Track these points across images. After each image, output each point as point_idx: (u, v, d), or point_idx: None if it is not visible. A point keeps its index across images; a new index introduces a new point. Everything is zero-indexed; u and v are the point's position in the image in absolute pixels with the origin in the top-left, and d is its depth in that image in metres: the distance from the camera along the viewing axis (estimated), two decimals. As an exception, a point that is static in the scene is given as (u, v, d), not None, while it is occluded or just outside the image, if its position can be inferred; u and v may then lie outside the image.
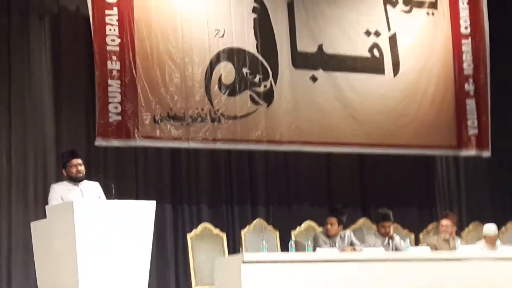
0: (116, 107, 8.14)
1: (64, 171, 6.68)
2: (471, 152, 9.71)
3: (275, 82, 8.97)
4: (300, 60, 9.13)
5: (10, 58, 8.18)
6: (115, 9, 8.23)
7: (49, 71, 8.31)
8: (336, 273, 6.82)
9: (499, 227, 8.50)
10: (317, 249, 7.18)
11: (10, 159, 8.08)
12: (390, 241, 7.76)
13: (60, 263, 5.88)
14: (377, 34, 9.52)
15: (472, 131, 9.72)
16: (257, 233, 8.17)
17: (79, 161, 6.63)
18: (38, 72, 8.27)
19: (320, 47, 9.24)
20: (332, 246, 7.48)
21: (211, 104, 8.60)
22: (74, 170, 6.59)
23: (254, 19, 8.97)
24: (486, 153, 9.76)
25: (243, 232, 8.20)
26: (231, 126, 8.66)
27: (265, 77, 8.94)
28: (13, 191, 8.04)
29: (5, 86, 8.13)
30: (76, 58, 8.41)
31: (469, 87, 9.83)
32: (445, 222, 8.27)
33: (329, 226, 7.67)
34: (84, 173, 6.63)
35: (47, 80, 8.29)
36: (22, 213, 7.97)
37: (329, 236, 7.65)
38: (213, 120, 8.58)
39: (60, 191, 6.54)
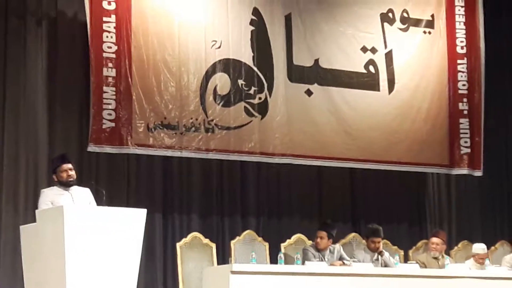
0: (110, 114, 8.15)
1: (54, 176, 6.67)
2: (463, 170, 9.75)
3: (270, 95, 8.99)
4: (296, 74, 9.16)
5: (6, 61, 8.16)
6: (113, 16, 8.24)
7: (44, 75, 8.30)
8: (325, 287, 6.80)
9: (488, 247, 8.52)
10: (306, 262, 7.18)
11: (2, 163, 8.04)
12: (380, 257, 7.76)
13: (48, 268, 5.86)
14: (373, 50, 9.57)
15: (465, 150, 9.76)
16: (246, 244, 8.16)
17: (70, 166, 6.63)
18: (33, 76, 8.25)
19: (316, 62, 9.27)
20: (321, 260, 7.48)
21: (206, 114, 8.62)
22: (64, 175, 6.58)
23: (252, 31, 9.00)
24: (478, 173, 9.80)
25: (232, 242, 8.19)
26: (224, 137, 8.67)
27: (260, 89, 8.96)
28: (3, 194, 8.00)
29: (-1, 89, 8.14)
30: (72, 64, 8.40)
31: (463, 106, 9.87)
32: (436, 240, 8.26)
33: (318, 240, 7.67)
34: (75, 177, 6.63)
35: (42, 84, 8.28)
36: (12, 217, 7.93)
37: (318, 249, 7.66)
38: (206, 130, 8.59)
39: (50, 196, 6.53)
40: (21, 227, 6.36)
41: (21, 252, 6.27)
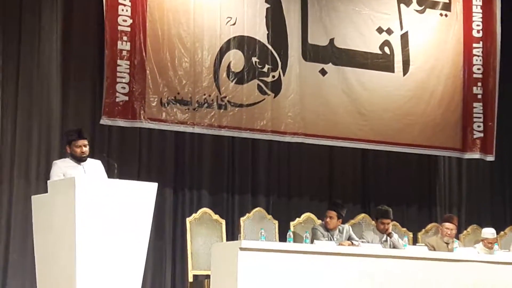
0: (124, 87, 8.16)
1: (68, 148, 6.67)
2: (475, 155, 9.74)
3: (284, 73, 8.98)
4: (311, 53, 9.15)
5: (20, 34, 8.15)
6: (129, -11, 8.25)
7: (58, 48, 8.30)
8: (333, 266, 6.82)
9: (497, 231, 8.49)
10: (315, 241, 7.19)
11: (15, 134, 8.07)
12: (388, 238, 7.77)
13: (58, 238, 5.90)
14: (389, 32, 9.53)
15: (478, 134, 9.74)
16: (256, 222, 8.18)
17: (85, 142, 6.61)
18: (47, 49, 8.25)
19: (332, 41, 9.25)
20: (330, 240, 7.48)
21: (219, 90, 8.62)
22: (78, 150, 6.57)
23: (267, 9, 8.98)
24: (490, 158, 9.78)
25: (242, 220, 8.20)
26: (237, 114, 8.68)
27: (274, 68, 8.95)
28: (16, 165, 8.03)
29: (14, 62, 8.12)
30: (87, 36, 8.40)
31: (478, 90, 9.83)
32: (450, 226, 8.17)
33: (328, 219, 7.67)
34: (88, 154, 6.62)
35: (56, 57, 8.28)
36: (24, 187, 7.98)
37: (327, 229, 7.66)
38: (219, 107, 8.60)
39: (62, 168, 6.54)
40: (33, 197, 6.39)
41: (32, 222, 6.30)
